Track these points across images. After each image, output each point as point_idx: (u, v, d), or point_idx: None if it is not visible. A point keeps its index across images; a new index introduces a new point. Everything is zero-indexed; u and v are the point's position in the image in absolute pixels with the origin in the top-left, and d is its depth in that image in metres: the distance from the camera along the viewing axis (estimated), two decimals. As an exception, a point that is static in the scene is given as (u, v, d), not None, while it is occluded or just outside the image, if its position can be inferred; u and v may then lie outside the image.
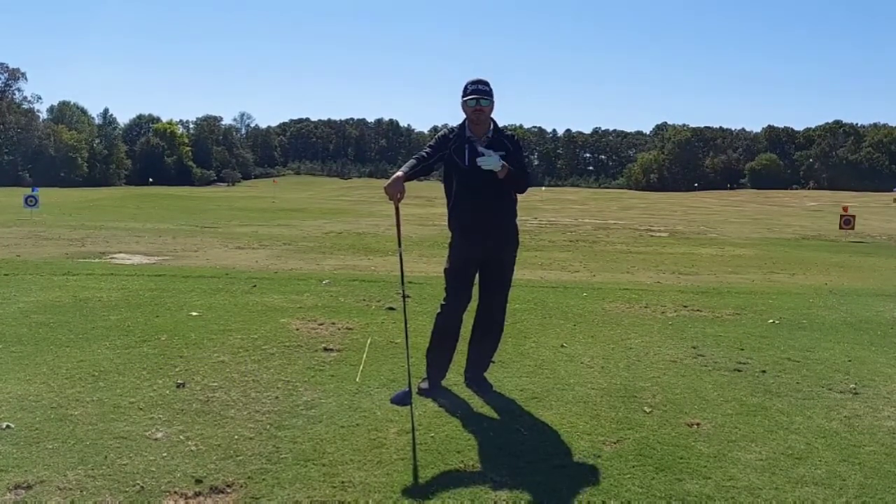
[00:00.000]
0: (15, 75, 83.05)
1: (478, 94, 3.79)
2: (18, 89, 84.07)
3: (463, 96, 3.84)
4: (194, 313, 5.82)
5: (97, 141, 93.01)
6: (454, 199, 3.93)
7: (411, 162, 3.86)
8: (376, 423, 3.53)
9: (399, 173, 3.73)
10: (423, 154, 3.90)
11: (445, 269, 4.02)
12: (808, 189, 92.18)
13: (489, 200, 3.86)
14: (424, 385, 4.05)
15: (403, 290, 4.09)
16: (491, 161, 3.71)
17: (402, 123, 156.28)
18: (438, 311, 4.05)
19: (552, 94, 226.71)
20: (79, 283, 7.24)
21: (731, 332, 5.76)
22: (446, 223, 4.05)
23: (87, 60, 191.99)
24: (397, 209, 3.85)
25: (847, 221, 21.88)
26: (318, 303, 6.51)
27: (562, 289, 7.84)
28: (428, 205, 32.37)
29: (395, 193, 3.65)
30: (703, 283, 9.54)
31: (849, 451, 3.35)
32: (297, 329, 5.41)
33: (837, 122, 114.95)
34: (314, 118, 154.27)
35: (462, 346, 4.16)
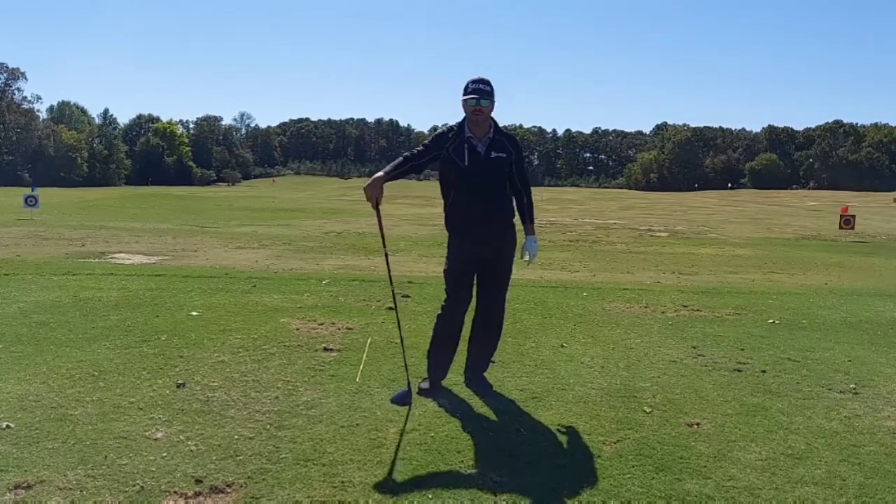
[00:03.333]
0: (15, 75, 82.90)
1: (478, 94, 3.75)
2: (18, 89, 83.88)
3: (464, 94, 3.80)
4: (194, 313, 5.82)
5: (97, 141, 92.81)
6: (452, 198, 3.90)
7: (398, 160, 3.79)
8: (376, 423, 3.53)
9: (380, 174, 3.67)
10: (414, 152, 3.84)
11: (445, 270, 4.00)
12: (809, 189, 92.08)
13: (487, 200, 3.84)
14: (425, 385, 4.04)
15: (393, 290, 4.09)
16: (534, 250, 4.00)
17: (402, 123, 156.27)
18: (439, 311, 4.04)
19: (552, 94, 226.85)
20: (79, 282, 7.24)
21: (731, 332, 5.76)
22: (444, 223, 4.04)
23: (87, 60, 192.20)
24: (378, 211, 3.78)
25: (847, 221, 21.85)
26: (318, 303, 6.51)
27: (562, 289, 7.84)
28: (427, 205, 32.37)
29: (373, 197, 3.62)
30: (703, 283, 9.54)
31: (849, 451, 3.35)
32: (297, 329, 5.42)
33: (837, 122, 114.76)
34: (314, 118, 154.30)
35: (462, 346, 4.15)
